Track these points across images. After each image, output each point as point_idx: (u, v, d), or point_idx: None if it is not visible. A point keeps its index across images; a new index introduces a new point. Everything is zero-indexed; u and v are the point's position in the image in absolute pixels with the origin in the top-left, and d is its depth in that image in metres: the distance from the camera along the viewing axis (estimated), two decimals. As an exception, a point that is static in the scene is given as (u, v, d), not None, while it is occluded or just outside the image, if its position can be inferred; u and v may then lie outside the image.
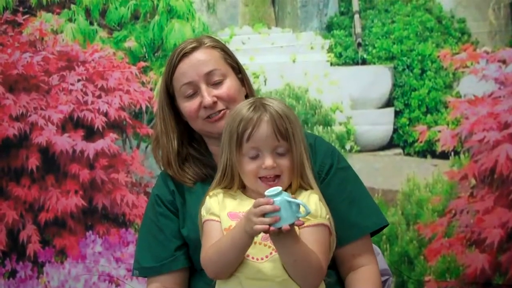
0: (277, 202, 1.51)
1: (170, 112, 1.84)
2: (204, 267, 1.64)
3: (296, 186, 1.66)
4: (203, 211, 1.68)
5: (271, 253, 1.59)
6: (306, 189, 1.67)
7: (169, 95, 1.84)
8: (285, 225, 1.50)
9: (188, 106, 1.80)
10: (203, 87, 1.79)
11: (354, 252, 1.73)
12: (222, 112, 1.78)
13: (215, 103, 1.78)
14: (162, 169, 1.87)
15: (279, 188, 1.53)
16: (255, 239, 1.59)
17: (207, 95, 1.78)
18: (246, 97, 1.84)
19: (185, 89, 1.80)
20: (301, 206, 1.53)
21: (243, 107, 1.66)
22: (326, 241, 1.63)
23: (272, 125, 1.61)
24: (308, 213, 1.53)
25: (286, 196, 1.52)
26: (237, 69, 1.86)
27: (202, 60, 1.80)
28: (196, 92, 1.80)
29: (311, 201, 1.64)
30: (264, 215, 1.51)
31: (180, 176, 1.82)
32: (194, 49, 1.81)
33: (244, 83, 1.87)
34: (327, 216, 1.65)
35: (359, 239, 1.75)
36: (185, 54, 1.80)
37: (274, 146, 1.62)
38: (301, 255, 1.56)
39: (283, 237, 1.53)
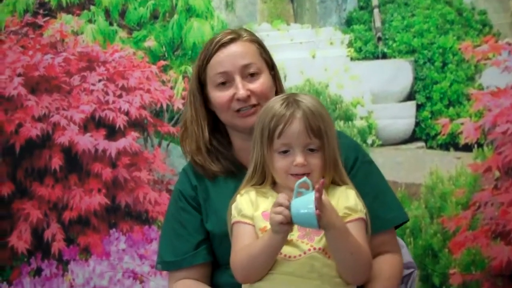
0: (295, 214, 1.51)
1: (201, 100, 1.83)
2: (234, 270, 1.62)
3: (328, 182, 1.64)
4: (233, 211, 1.66)
5: (309, 250, 1.58)
6: (339, 185, 1.66)
7: (200, 83, 1.84)
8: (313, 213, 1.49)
9: (220, 97, 1.78)
10: (238, 79, 1.77)
11: (377, 243, 1.72)
12: (254, 108, 1.76)
13: (248, 96, 1.76)
14: (188, 159, 1.86)
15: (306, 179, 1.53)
16: (291, 236, 1.58)
17: (242, 88, 1.76)
18: (276, 94, 1.83)
19: (219, 77, 1.78)
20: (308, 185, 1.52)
21: (276, 103, 1.64)
22: (366, 235, 1.62)
23: (305, 122, 1.59)
24: (310, 184, 1.52)
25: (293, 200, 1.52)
26: (271, 66, 1.84)
27: (240, 52, 1.78)
28: (229, 82, 1.79)
29: (350, 196, 1.63)
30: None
31: (208, 164, 1.81)
32: (232, 40, 1.79)
33: (276, 80, 1.86)
34: (364, 211, 1.64)
35: (382, 232, 1.74)
36: (223, 44, 1.79)
37: (305, 143, 1.60)
38: (356, 247, 1.55)
39: (333, 231, 1.52)
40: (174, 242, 1.81)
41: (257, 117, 1.67)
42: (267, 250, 1.55)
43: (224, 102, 1.77)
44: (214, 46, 1.79)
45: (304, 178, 1.53)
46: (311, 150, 1.61)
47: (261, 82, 1.78)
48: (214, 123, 1.86)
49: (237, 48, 1.79)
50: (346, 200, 1.62)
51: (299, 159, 1.59)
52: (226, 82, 1.78)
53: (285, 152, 1.61)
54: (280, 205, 1.51)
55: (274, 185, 1.67)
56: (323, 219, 1.50)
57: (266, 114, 1.63)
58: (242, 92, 1.75)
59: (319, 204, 1.49)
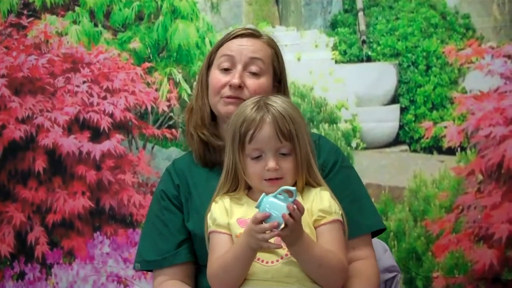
0: (265, 209, 1.51)
1: (206, 80, 1.85)
2: (210, 281, 1.64)
3: (302, 184, 1.65)
4: (209, 221, 1.67)
5: (286, 255, 1.59)
6: (314, 186, 1.66)
7: (209, 65, 1.85)
8: (279, 221, 1.49)
9: (217, 78, 1.81)
10: (239, 68, 1.79)
11: (353, 248, 1.74)
12: (239, 100, 1.77)
13: (241, 87, 1.77)
14: (192, 143, 1.85)
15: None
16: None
17: (238, 77, 1.77)
18: None
19: (223, 60, 1.81)
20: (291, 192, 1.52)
21: (247, 107, 1.65)
22: (342, 237, 1.63)
23: (275, 126, 1.60)
24: (295, 194, 1.52)
25: (271, 196, 1.52)
26: (278, 77, 1.85)
27: (253, 47, 1.80)
28: (231, 69, 1.80)
29: (324, 198, 1.64)
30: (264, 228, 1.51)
31: (213, 139, 1.81)
32: (252, 35, 1.82)
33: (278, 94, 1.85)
34: (340, 212, 1.65)
35: (358, 237, 1.75)
36: (242, 35, 1.82)
37: (277, 147, 1.61)
38: (324, 258, 1.56)
39: (295, 247, 1.53)
40: (156, 241, 1.81)
41: (230, 120, 1.68)
42: (241, 262, 1.56)
43: (218, 86, 1.79)
44: (233, 34, 1.82)
45: (294, 188, 1.53)
46: (283, 154, 1.61)
47: (259, 83, 1.79)
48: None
49: (252, 43, 1.80)
50: (320, 202, 1.62)
51: (271, 163, 1.60)
52: (228, 68, 1.80)
53: (257, 157, 1.61)
54: (267, 230, 1.50)
55: (248, 190, 1.67)
56: (291, 237, 1.51)
57: (237, 118, 1.64)
58: (236, 80, 1.77)
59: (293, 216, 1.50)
